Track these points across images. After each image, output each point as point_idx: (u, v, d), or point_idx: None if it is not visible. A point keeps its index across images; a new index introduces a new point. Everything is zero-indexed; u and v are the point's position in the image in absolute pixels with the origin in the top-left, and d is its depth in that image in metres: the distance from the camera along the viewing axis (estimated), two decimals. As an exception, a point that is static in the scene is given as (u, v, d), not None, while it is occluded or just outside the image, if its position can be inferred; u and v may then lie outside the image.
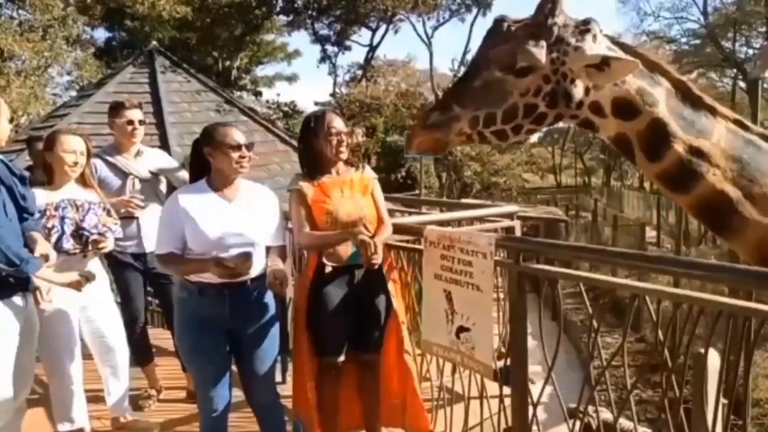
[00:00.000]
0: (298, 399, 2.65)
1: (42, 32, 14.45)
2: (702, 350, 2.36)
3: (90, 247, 2.75)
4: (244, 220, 2.31)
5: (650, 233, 14.16)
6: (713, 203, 1.88)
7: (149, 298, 3.76)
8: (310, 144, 2.51)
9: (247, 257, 2.21)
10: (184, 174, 3.21)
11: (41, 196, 2.69)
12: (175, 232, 2.26)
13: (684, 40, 26.61)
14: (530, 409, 2.32)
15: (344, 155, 2.52)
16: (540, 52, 1.81)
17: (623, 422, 2.37)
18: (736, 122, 1.91)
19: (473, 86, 1.87)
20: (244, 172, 2.34)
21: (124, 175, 3.26)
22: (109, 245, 2.86)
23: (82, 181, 2.88)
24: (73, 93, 17.92)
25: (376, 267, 2.44)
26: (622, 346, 2.00)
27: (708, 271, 1.77)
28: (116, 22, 20.56)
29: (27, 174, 2.55)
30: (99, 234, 2.77)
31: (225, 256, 2.20)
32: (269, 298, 2.44)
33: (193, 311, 2.30)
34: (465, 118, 1.87)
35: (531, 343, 2.47)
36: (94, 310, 2.91)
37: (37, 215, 2.56)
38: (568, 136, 34.93)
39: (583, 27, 1.85)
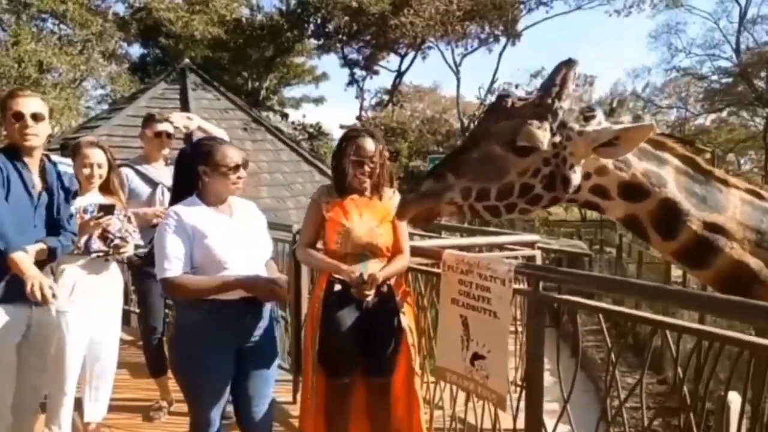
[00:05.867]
0: (303, 417, 2.62)
1: (80, 47, 14.95)
2: (724, 393, 2.29)
3: (111, 251, 2.83)
4: (247, 234, 2.28)
5: (676, 272, 13.88)
6: (733, 276, 1.82)
7: (166, 311, 3.77)
8: (339, 163, 2.52)
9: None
10: None
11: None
12: (183, 252, 2.14)
13: (715, 77, 26.35)
14: (544, 443, 2.26)
15: (364, 183, 2.50)
16: (543, 134, 1.78)
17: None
18: (750, 192, 1.86)
19: (470, 158, 1.84)
20: (239, 192, 2.30)
21: (153, 184, 3.34)
22: (129, 250, 2.93)
23: (106, 188, 2.98)
24: (105, 106, 18.41)
25: (367, 298, 2.41)
26: (640, 380, 1.94)
27: (735, 309, 1.71)
28: (151, 39, 21.15)
29: (75, 189, 2.62)
30: (121, 239, 2.86)
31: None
32: (272, 317, 2.39)
33: (206, 332, 2.18)
34: (458, 187, 1.83)
35: (548, 380, 2.41)
36: (104, 317, 2.95)
37: (69, 229, 2.57)
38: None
39: (588, 113, 1.83)
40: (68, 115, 14.58)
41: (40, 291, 2.15)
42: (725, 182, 1.85)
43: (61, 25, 15.45)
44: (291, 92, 27.48)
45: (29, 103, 2.36)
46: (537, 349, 2.28)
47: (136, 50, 22.76)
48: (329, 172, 11.82)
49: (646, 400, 2.04)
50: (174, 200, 2.32)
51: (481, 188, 1.82)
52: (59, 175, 2.51)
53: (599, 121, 1.81)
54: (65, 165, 2.59)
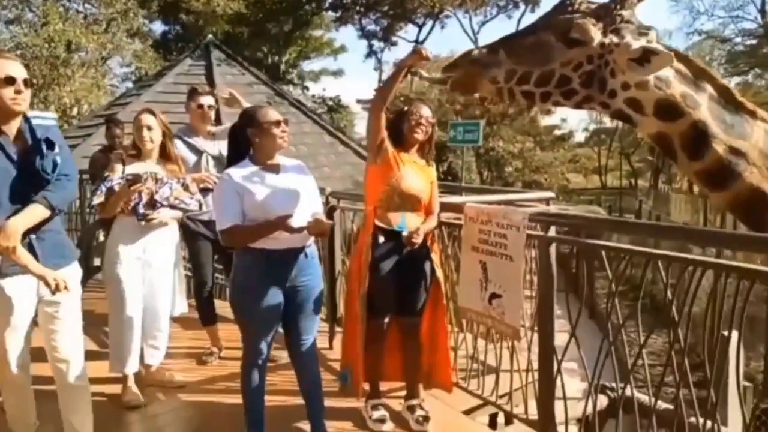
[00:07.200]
0: (347, 353, 2.98)
1: (105, 25, 15.30)
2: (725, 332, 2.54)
3: (142, 218, 3.07)
4: (292, 188, 2.58)
5: (694, 234, 13.93)
6: (750, 200, 1.99)
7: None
8: (399, 125, 2.88)
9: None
10: None
11: (129, 168, 3.10)
12: (235, 207, 2.45)
13: (739, 39, 25.85)
14: (554, 364, 2.57)
15: (419, 136, 2.85)
16: (594, 30, 1.93)
17: (642, 397, 2.57)
18: None
19: (524, 41, 2.02)
20: (287, 145, 2.61)
21: (198, 152, 3.67)
22: (159, 218, 3.12)
23: (166, 156, 3.24)
24: (129, 84, 18.80)
25: (416, 246, 2.75)
26: (636, 309, 2.22)
27: (738, 242, 1.90)
28: (172, 15, 21.41)
29: (47, 137, 2.31)
30: (170, 206, 3.12)
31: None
32: (317, 262, 2.72)
33: (257, 275, 2.52)
34: (504, 67, 2.00)
35: (565, 339, 2.63)
36: (154, 271, 3.22)
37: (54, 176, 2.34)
38: (615, 137, 34.33)
39: (644, 30, 1.98)
40: (96, 94, 14.99)
41: (55, 284, 2.19)
42: (754, 114, 2.02)
43: (86, 4, 15.81)
44: (310, 65, 27.67)
45: (18, 68, 2.22)
46: (547, 288, 2.58)
47: (157, 27, 23.07)
48: (351, 144, 12.01)
49: (659, 357, 2.19)
50: (229, 166, 2.62)
51: (525, 72, 1.99)
52: (33, 130, 2.31)
53: (650, 40, 1.96)
54: (39, 118, 2.37)
